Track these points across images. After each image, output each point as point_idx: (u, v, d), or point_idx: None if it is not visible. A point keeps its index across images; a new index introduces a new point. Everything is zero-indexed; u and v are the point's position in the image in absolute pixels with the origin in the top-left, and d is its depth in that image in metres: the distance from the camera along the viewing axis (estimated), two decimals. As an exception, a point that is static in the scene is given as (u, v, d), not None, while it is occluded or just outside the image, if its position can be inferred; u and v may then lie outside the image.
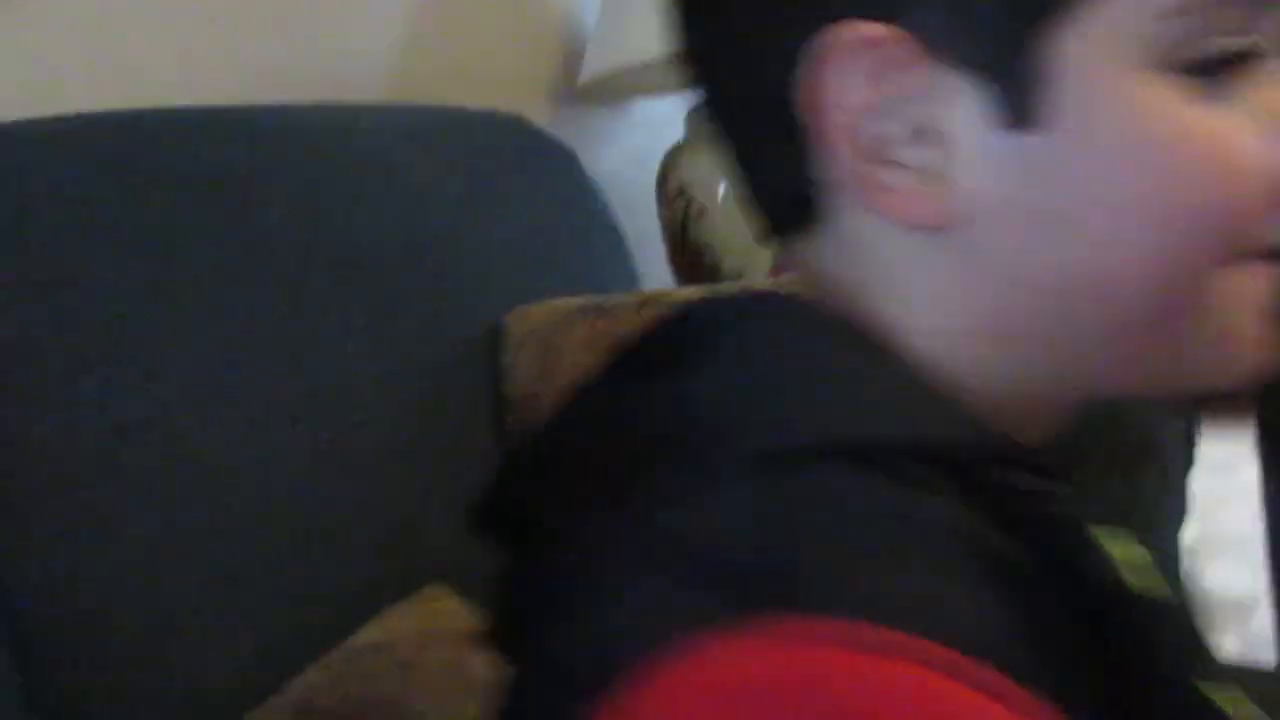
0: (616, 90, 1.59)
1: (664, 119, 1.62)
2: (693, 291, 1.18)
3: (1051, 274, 0.38)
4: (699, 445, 0.35)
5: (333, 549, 0.86)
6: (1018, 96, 0.36)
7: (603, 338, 1.01)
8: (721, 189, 1.50)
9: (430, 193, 1.08)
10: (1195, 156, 0.36)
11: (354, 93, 1.20)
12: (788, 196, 0.42)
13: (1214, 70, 0.36)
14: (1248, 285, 0.38)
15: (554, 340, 1.02)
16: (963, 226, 0.38)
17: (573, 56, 1.58)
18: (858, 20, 0.36)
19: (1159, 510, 0.55)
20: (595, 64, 1.50)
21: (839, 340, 0.39)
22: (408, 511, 0.92)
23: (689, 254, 1.53)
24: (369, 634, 0.81)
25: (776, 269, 1.40)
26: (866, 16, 0.36)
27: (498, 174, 1.17)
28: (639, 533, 0.34)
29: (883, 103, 0.37)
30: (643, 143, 1.67)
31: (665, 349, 0.40)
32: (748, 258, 1.51)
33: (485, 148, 1.18)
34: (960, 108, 0.37)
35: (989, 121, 0.36)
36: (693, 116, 1.54)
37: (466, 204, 1.11)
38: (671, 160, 1.53)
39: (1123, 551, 0.38)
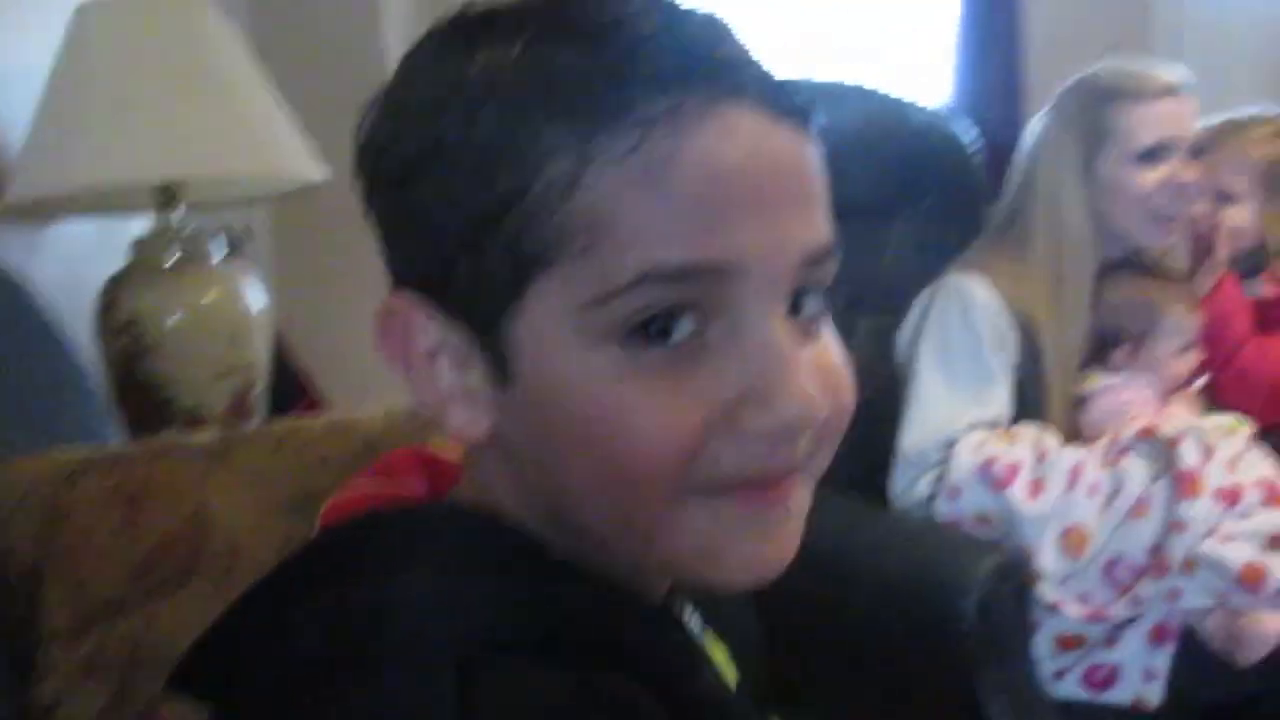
0: (44, 209, 1.45)
1: (98, 243, 1.51)
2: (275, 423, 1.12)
3: (555, 488, 0.46)
4: (378, 651, 0.41)
5: None
6: (498, 360, 0.44)
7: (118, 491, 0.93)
8: (171, 321, 1.42)
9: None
10: (604, 430, 0.42)
11: None
12: None
13: (649, 343, 0.42)
14: (704, 517, 0.44)
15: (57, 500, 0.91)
16: (512, 444, 0.46)
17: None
18: (404, 289, 0.46)
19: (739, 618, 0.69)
20: (24, 183, 1.36)
21: (490, 544, 0.46)
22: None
23: (135, 391, 1.42)
24: None
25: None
26: (411, 287, 0.46)
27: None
28: None
29: (421, 352, 0.46)
30: (70, 270, 1.52)
31: (332, 559, 0.46)
32: (201, 395, 1.45)
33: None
34: (471, 364, 0.45)
35: (487, 375, 0.45)
36: (141, 243, 1.45)
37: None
38: (116, 289, 1.42)
39: (719, 655, 0.52)
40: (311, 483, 0.93)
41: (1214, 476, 1.25)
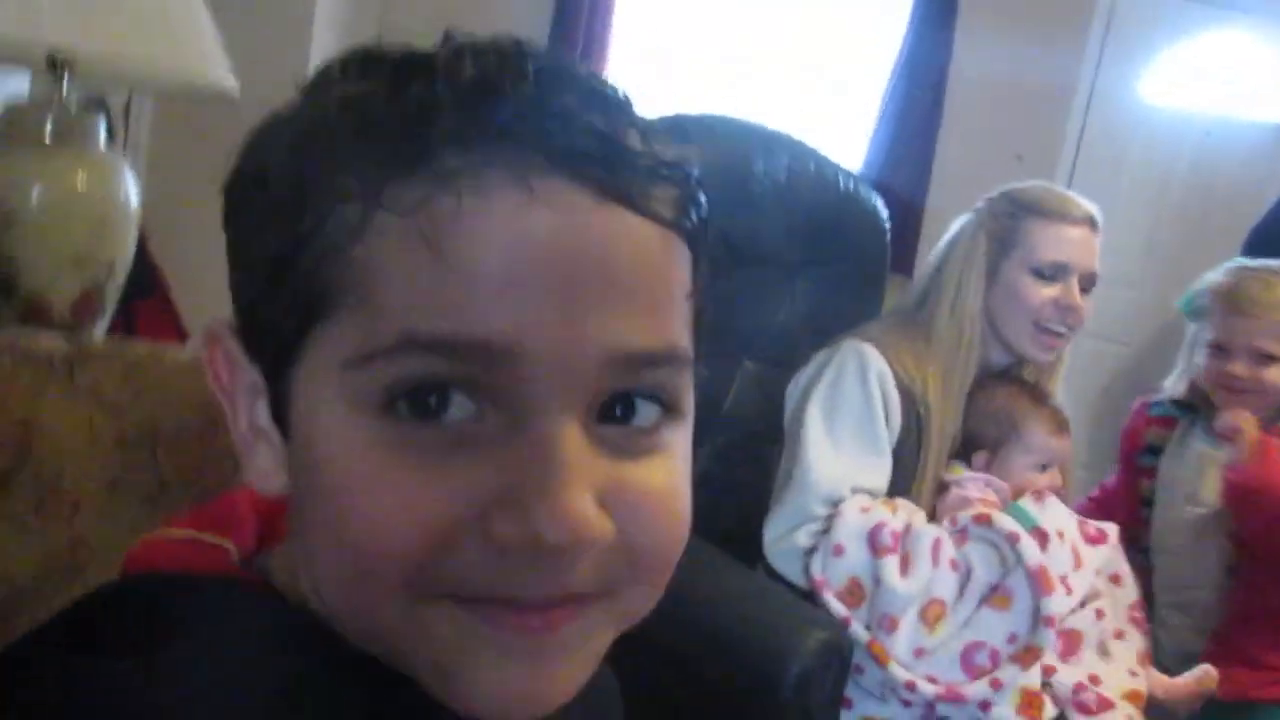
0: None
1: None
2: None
3: (310, 565, 0.42)
4: None
5: None
6: (280, 411, 0.41)
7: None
8: (36, 197, 1.31)
9: None
10: (345, 504, 0.38)
11: None
12: None
13: (414, 420, 0.37)
14: (449, 628, 0.39)
15: None
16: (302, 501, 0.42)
17: None
18: (229, 322, 0.43)
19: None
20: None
21: (264, 635, 0.41)
22: None
23: (-22, 261, 1.30)
24: None
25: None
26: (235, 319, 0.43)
27: None
28: None
29: (242, 386, 0.43)
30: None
31: (108, 624, 0.41)
32: (50, 282, 1.34)
33: None
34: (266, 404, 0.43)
35: (274, 424, 0.42)
36: (13, 110, 1.33)
37: None
38: (-23, 150, 1.30)
39: None
40: (159, 420, 0.85)
41: (1055, 561, 1.30)
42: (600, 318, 0.38)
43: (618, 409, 0.40)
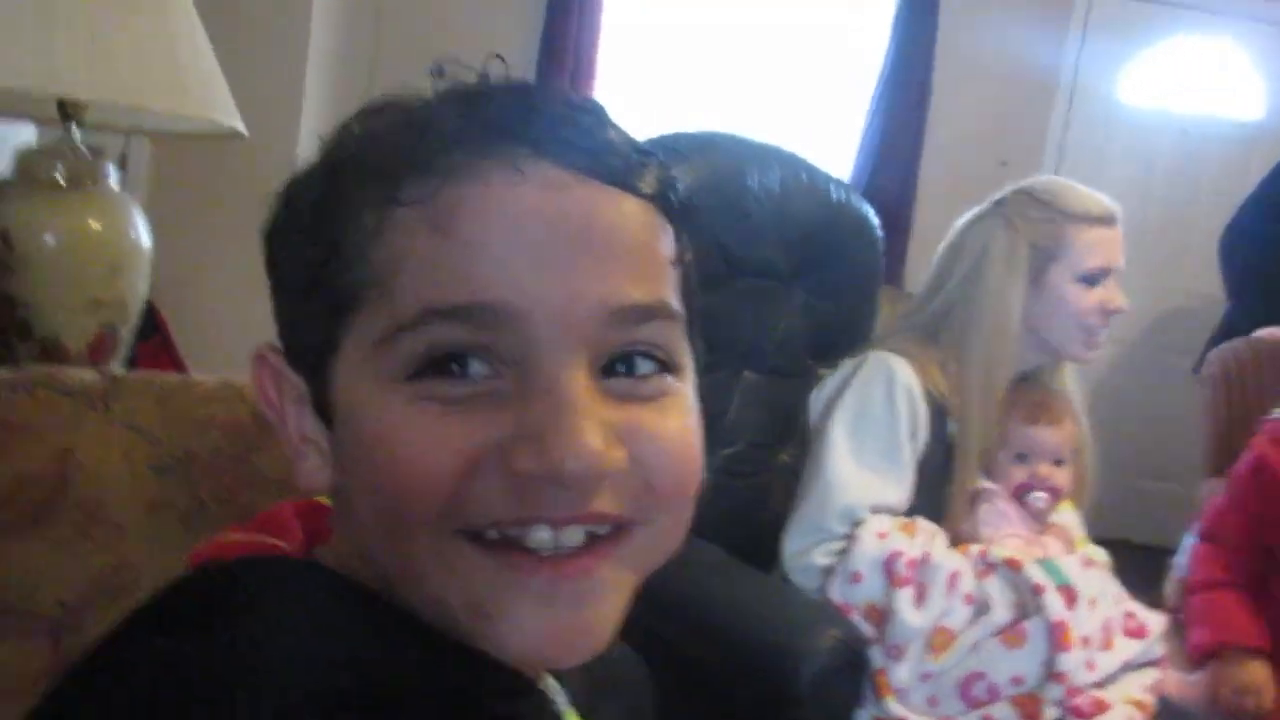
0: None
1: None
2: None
3: (363, 540, 0.46)
4: (219, 703, 0.39)
5: None
6: (321, 403, 0.47)
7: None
8: (51, 240, 1.34)
9: None
10: (381, 459, 0.43)
11: None
12: None
13: (437, 380, 0.43)
14: (481, 570, 0.43)
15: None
16: (341, 495, 0.48)
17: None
18: (274, 342, 0.50)
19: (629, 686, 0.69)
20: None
21: (326, 600, 0.45)
22: None
23: (-7, 305, 1.34)
24: None
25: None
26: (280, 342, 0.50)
27: None
28: None
29: (289, 400, 0.49)
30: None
31: (185, 607, 0.44)
32: (64, 325, 1.37)
33: None
34: (310, 412, 0.48)
35: (319, 422, 0.48)
36: (28, 154, 1.37)
37: None
38: (-6, 196, 1.34)
39: None
40: (193, 444, 0.88)
41: (1080, 623, 1.29)
42: (593, 276, 0.43)
43: (620, 367, 0.45)
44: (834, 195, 1.71)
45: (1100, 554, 1.45)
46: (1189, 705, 1.44)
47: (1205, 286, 3.09)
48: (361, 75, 3.06)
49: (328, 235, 0.45)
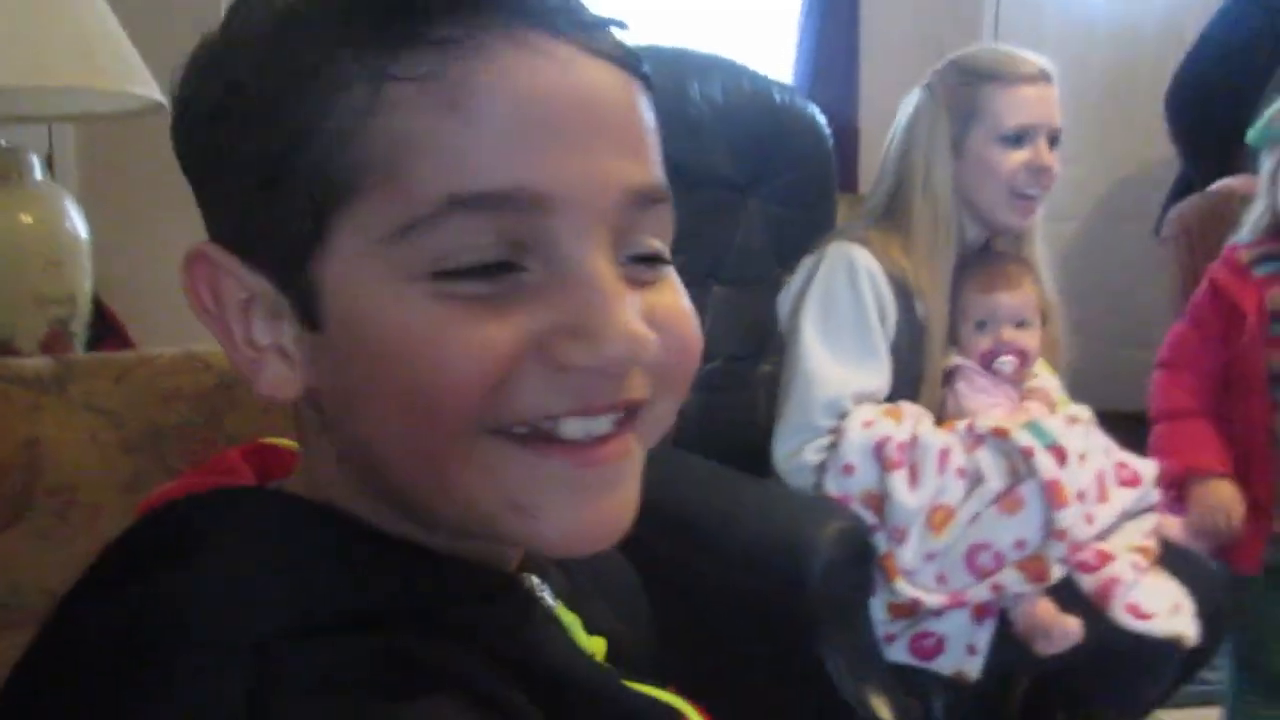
0: None
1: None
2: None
3: (363, 442, 0.43)
4: (169, 642, 0.38)
5: None
6: (305, 305, 0.42)
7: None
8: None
9: None
10: (410, 357, 0.39)
11: None
12: None
13: (463, 277, 0.39)
14: (512, 466, 0.41)
15: None
16: (324, 401, 0.44)
17: None
18: (212, 241, 0.44)
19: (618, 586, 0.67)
20: None
21: (303, 524, 0.43)
22: None
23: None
24: None
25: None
26: (216, 239, 0.44)
27: None
28: None
29: (232, 305, 0.43)
30: None
31: (152, 546, 0.43)
32: (15, 324, 1.33)
33: None
34: (281, 315, 0.43)
35: (295, 323, 0.43)
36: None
37: None
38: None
39: (568, 618, 0.50)
40: (159, 418, 0.86)
41: (1073, 479, 1.30)
42: (613, 157, 0.41)
43: (625, 254, 0.43)
44: (778, 99, 1.69)
45: (1084, 411, 1.46)
46: (1190, 544, 1.47)
47: (1158, 151, 3.09)
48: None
49: (296, 115, 0.40)
